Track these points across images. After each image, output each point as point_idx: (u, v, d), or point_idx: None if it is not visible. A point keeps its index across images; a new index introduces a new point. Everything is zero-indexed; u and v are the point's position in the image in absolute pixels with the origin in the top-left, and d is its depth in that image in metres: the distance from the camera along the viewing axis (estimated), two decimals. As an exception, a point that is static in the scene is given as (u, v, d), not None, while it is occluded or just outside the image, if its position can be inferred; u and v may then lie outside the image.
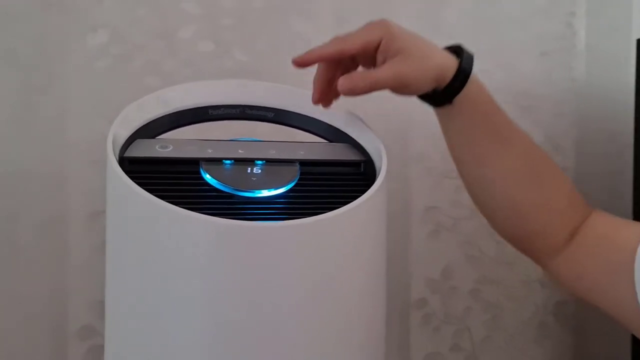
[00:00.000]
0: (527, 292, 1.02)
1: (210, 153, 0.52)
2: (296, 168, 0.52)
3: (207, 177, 0.49)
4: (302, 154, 0.54)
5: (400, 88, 0.53)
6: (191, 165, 0.50)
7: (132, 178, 0.45)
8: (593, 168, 1.03)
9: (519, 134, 0.58)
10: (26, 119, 0.73)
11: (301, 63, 0.53)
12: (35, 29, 0.73)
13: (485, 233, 0.98)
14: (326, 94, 0.55)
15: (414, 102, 0.59)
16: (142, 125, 0.54)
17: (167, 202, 0.43)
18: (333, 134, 0.59)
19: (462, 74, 0.53)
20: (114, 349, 0.49)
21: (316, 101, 0.56)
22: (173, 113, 0.57)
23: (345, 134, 0.58)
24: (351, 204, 0.46)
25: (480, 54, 0.95)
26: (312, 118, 0.60)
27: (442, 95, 0.54)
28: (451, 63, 0.54)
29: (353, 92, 0.51)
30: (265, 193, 0.49)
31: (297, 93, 0.59)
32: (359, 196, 0.48)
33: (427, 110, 0.61)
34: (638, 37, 0.84)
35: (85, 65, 0.75)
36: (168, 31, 0.78)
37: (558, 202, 0.57)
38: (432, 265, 0.96)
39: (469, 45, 1.00)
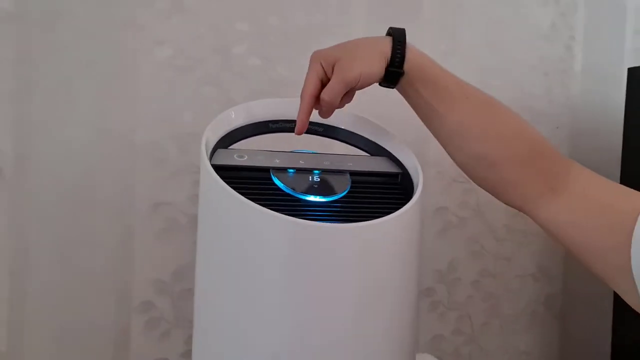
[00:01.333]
0: (522, 285, 1.15)
1: (277, 163, 0.63)
2: (347, 177, 0.63)
3: (278, 182, 0.60)
4: (350, 165, 0.65)
5: (354, 81, 0.59)
6: (263, 172, 0.62)
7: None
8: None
9: (471, 92, 0.61)
10: (101, 122, 0.83)
11: (301, 131, 0.63)
12: (111, 44, 0.83)
13: (487, 231, 1.11)
14: (306, 125, 0.63)
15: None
16: (220, 137, 0.65)
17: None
18: (373, 148, 0.70)
19: (397, 40, 0.60)
20: (202, 325, 0.60)
21: (299, 133, 0.64)
22: (241, 127, 0.68)
23: (384, 148, 0.69)
24: (399, 210, 0.57)
25: (493, 73, 1.07)
26: (355, 134, 0.71)
27: (392, 69, 0.60)
28: (386, 39, 0.61)
29: (328, 117, 0.65)
30: (326, 198, 0.60)
31: (342, 112, 0.68)
32: (398, 203, 0.58)
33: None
34: (630, 65, 0.95)
35: (153, 75, 0.85)
36: (224, 47, 0.89)
37: (524, 154, 0.58)
38: (439, 259, 1.07)
39: (483, 65, 1.11)
